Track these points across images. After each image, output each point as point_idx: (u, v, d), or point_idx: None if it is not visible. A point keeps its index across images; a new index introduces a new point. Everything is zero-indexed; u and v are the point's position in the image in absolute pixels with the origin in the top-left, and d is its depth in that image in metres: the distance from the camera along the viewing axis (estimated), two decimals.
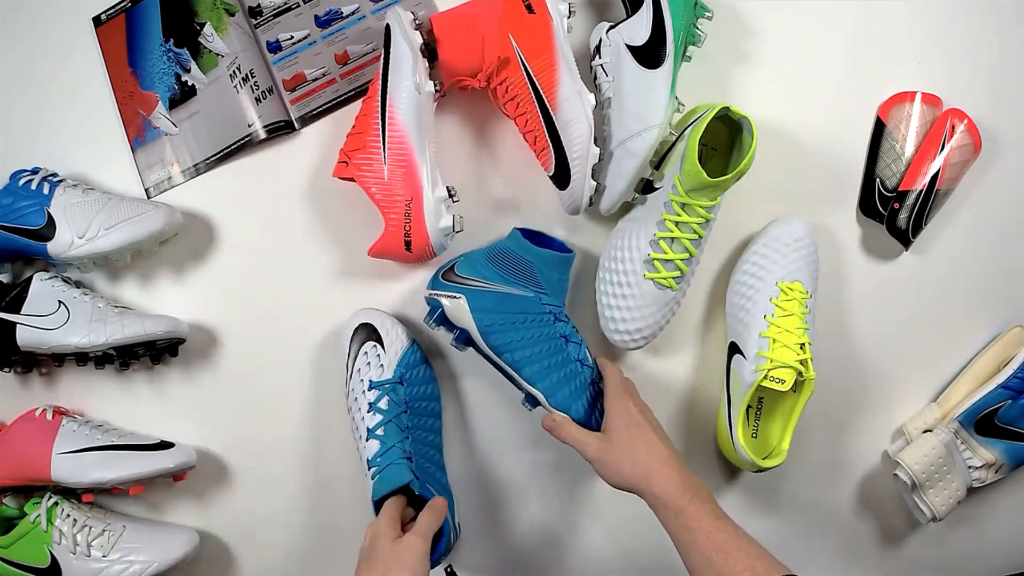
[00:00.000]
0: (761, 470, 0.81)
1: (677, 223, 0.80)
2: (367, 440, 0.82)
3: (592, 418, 0.80)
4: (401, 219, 0.82)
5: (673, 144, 0.82)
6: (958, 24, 0.90)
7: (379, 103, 0.82)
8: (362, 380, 0.84)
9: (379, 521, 0.74)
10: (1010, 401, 0.83)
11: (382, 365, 0.84)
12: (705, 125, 0.78)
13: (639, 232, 0.83)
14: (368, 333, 0.86)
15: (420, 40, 0.83)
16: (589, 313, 0.87)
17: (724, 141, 0.85)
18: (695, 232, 0.80)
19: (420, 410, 0.85)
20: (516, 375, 0.81)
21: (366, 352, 0.85)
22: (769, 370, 0.79)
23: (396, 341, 0.85)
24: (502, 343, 0.80)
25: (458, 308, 0.81)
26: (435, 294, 0.83)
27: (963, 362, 0.89)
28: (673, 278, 0.81)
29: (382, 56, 0.83)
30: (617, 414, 0.76)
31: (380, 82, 0.83)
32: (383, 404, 0.82)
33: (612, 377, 0.80)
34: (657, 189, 0.82)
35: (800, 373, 0.80)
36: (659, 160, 0.83)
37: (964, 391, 0.87)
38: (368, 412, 0.82)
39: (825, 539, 0.91)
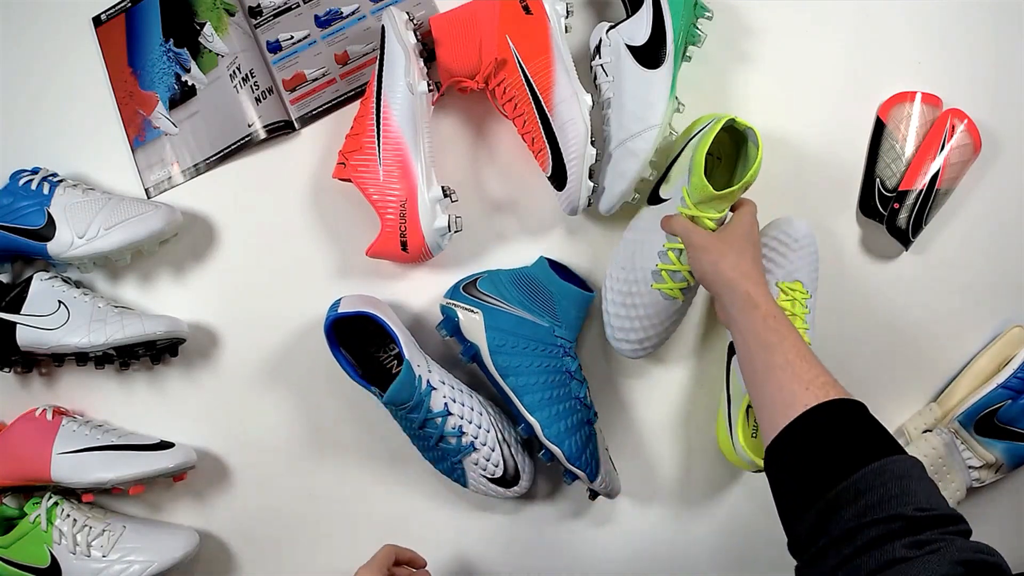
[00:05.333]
0: (761, 470, 0.81)
1: None
2: None
3: (582, 458, 0.80)
4: (397, 219, 0.82)
5: (678, 155, 0.82)
6: (958, 24, 0.90)
7: (374, 104, 0.82)
8: None
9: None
10: (1010, 401, 0.83)
11: None
12: (711, 138, 0.78)
13: (648, 243, 0.82)
14: None
15: (414, 40, 0.83)
16: (594, 321, 0.87)
17: (729, 150, 0.84)
18: None
19: None
20: (516, 400, 0.81)
21: None
22: None
23: None
24: (509, 365, 0.80)
25: (473, 323, 0.81)
26: (452, 304, 0.83)
27: (963, 362, 0.89)
28: (680, 289, 0.81)
29: (378, 57, 0.84)
30: (741, 224, 0.76)
31: (375, 83, 0.83)
32: None
33: (749, 204, 0.79)
34: (665, 201, 0.82)
35: None
36: (663, 173, 0.83)
37: (964, 391, 0.87)
38: None
39: None
